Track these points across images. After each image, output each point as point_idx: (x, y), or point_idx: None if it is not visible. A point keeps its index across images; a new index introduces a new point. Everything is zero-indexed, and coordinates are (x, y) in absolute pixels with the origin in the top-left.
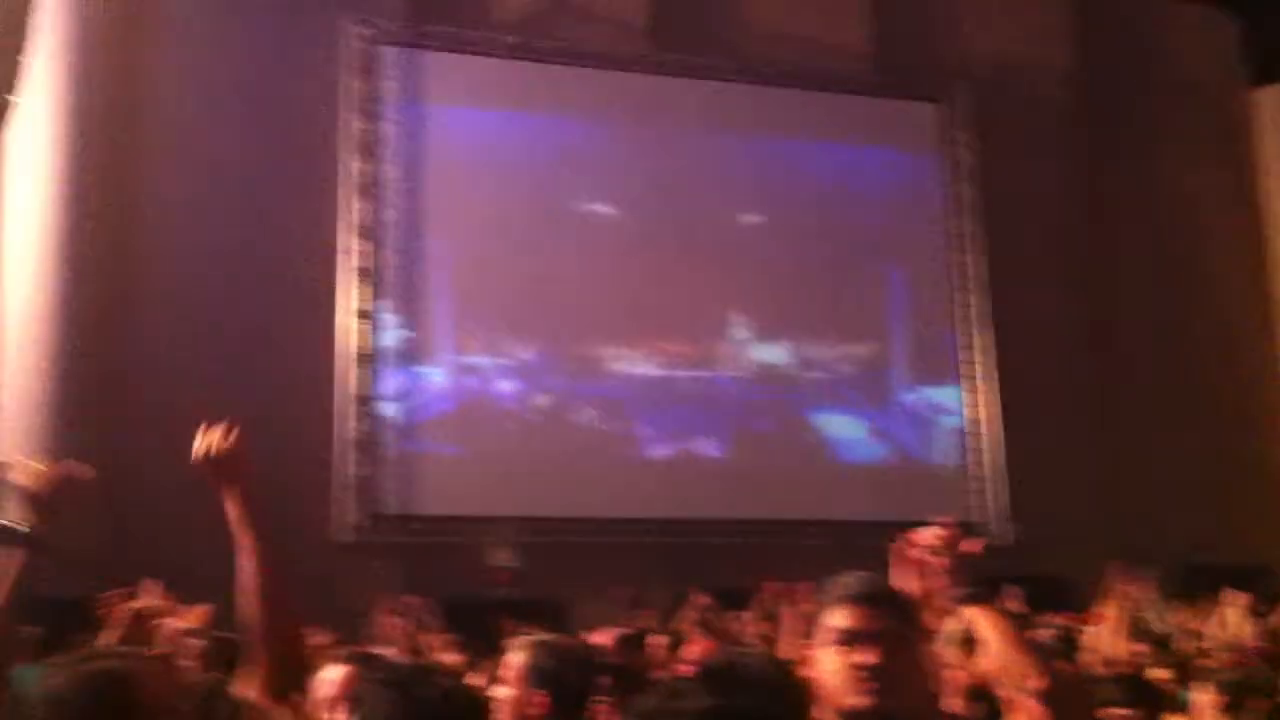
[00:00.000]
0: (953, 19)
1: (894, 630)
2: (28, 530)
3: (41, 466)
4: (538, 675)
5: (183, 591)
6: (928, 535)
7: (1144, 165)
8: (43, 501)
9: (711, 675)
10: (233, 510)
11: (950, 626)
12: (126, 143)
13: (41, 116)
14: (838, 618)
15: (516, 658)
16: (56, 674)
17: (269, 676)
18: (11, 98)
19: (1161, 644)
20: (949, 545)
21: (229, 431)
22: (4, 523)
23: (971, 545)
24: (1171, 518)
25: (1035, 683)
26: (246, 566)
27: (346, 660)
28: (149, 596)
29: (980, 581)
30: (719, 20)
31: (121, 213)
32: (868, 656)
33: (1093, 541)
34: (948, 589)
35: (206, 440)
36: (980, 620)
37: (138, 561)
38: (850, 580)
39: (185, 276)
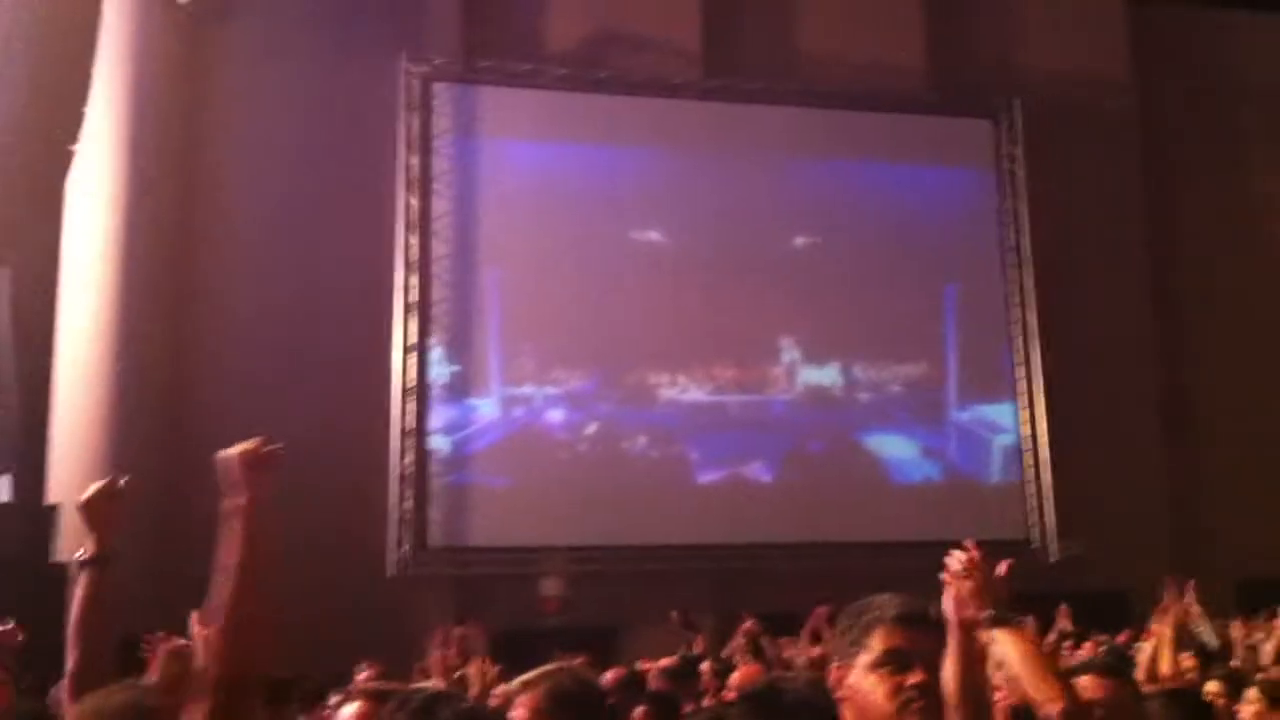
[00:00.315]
0: (1007, 36)
1: (936, 651)
2: (84, 554)
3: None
4: (557, 702)
5: None
6: (954, 560)
7: (1204, 175)
8: (94, 514)
9: (753, 700)
10: (237, 522)
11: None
12: (185, 180)
13: (102, 161)
14: (884, 639)
15: (529, 691)
16: (86, 704)
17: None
18: (72, 147)
19: (1213, 658)
20: (975, 568)
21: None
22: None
23: (999, 567)
24: (1232, 531)
25: (1054, 706)
26: (224, 585)
27: (360, 697)
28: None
29: (1019, 600)
30: (770, 45)
31: (179, 250)
32: (916, 677)
33: (1150, 557)
34: (975, 611)
35: (247, 445)
36: (1002, 641)
37: (191, 595)
38: (890, 601)
39: (241, 311)
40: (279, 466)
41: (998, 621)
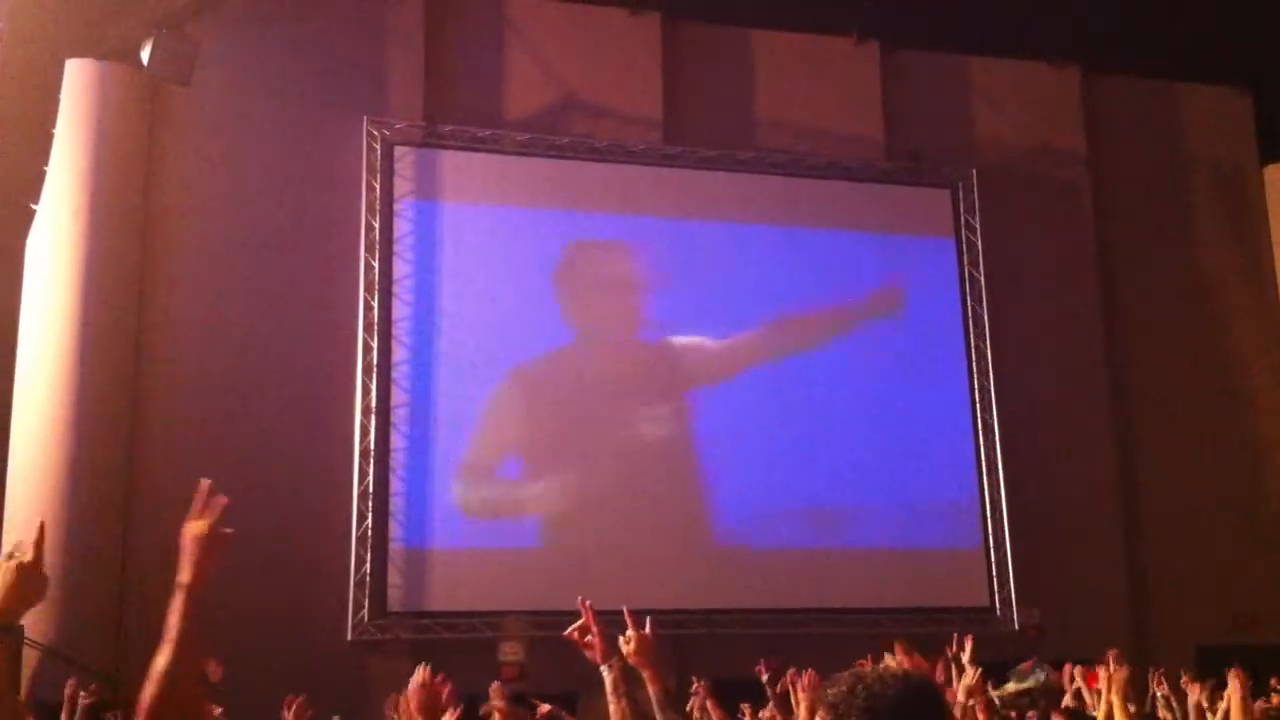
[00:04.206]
0: (964, 106)
1: None
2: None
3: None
4: None
5: None
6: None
7: (1154, 242)
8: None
9: None
10: (185, 598)
11: None
12: (144, 241)
13: (62, 220)
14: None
15: None
16: None
17: None
18: (33, 205)
19: None
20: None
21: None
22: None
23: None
24: (1193, 598)
25: None
26: (161, 666)
27: None
28: None
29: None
30: (731, 113)
31: (138, 311)
32: None
33: (1112, 623)
34: None
35: (209, 512)
36: None
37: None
38: (832, 682)
39: (200, 373)
40: (227, 548)
41: None
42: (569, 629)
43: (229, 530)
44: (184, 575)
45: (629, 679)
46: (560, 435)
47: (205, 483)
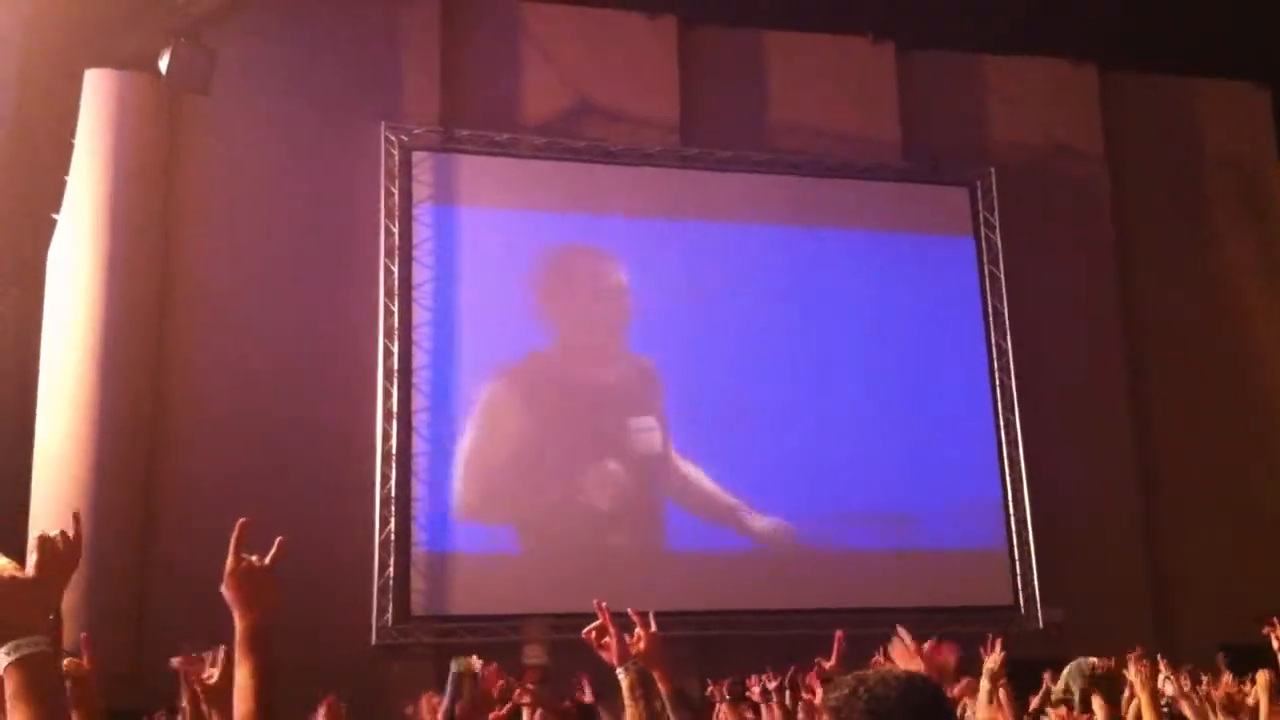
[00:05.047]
0: (980, 104)
1: None
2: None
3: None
4: None
5: None
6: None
7: (1174, 240)
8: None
9: None
10: (243, 632)
11: None
12: (164, 250)
13: (83, 230)
14: None
15: None
16: None
17: None
18: (54, 215)
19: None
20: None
21: (265, 555)
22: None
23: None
24: (1217, 597)
25: None
26: (241, 690)
27: None
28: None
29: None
30: (748, 114)
31: (161, 319)
32: None
33: (1135, 622)
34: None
35: (245, 562)
36: None
37: (169, 684)
38: (833, 685)
39: (220, 381)
40: (272, 582)
41: None
42: (586, 628)
43: (261, 567)
44: (240, 617)
45: (646, 681)
46: (583, 434)
47: (241, 522)
